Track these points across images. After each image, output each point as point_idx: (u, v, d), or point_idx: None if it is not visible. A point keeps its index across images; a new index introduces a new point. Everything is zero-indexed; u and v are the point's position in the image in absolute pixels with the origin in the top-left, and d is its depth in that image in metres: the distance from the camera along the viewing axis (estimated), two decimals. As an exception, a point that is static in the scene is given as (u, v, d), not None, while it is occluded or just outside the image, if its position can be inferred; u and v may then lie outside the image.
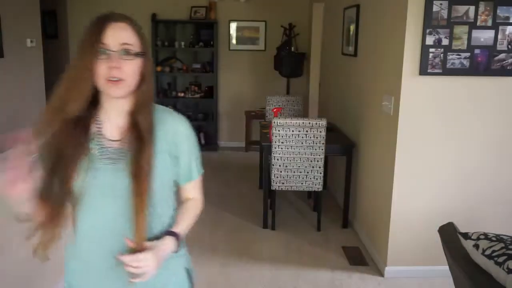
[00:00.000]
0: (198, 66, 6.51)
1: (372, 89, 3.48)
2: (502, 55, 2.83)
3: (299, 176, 3.74)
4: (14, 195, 1.04)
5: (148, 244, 1.16)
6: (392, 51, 3.05)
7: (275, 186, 3.79)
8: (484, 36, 2.80)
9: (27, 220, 1.14)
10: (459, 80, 2.88)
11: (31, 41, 4.80)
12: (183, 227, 1.30)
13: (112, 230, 1.19)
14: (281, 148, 3.67)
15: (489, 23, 2.78)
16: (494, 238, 1.56)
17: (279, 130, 3.62)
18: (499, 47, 2.82)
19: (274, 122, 3.62)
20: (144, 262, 1.13)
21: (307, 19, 6.42)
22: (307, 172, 3.72)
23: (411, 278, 3.08)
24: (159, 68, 6.32)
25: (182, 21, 6.43)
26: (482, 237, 1.59)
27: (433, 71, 2.83)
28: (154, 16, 6.25)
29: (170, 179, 1.28)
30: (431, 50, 2.80)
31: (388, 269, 3.12)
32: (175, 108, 4.37)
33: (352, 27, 4.01)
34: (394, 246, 3.09)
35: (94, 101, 1.18)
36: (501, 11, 2.77)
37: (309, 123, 3.59)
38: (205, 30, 6.46)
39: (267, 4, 6.47)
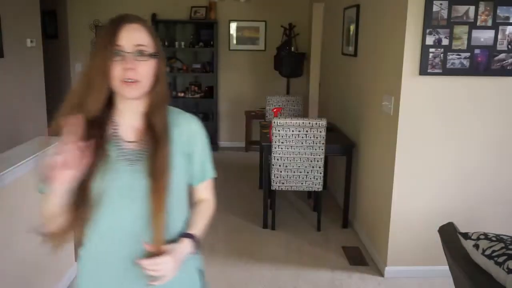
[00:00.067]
0: (198, 66, 6.51)
1: (372, 89, 3.48)
2: (502, 55, 2.83)
3: (299, 176, 3.74)
4: (59, 180, 1.03)
5: (166, 247, 1.17)
6: (392, 51, 3.05)
7: (275, 186, 3.79)
8: (484, 36, 2.80)
9: (46, 237, 1.14)
10: (459, 80, 2.88)
11: (31, 41, 4.80)
12: (198, 228, 1.31)
13: (130, 231, 1.18)
14: (281, 148, 3.67)
15: (489, 23, 2.78)
16: (494, 238, 1.56)
17: (279, 130, 3.62)
18: (499, 47, 2.82)
19: (274, 122, 3.62)
20: (163, 266, 1.14)
21: (307, 19, 6.42)
22: (307, 172, 3.72)
23: (411, 278, 3.08)
24: (159, 68, 6.31)
25: (182, 21, 6.42)
26: (482, 237, 1.59)
27: (433, 71, 2.83)
28: (154, 16, 6.25)
29: (185, 181, 1.28)
30: (431, 50, 2.80)
31: (388, 269, 3.12)
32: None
33: (352, 27, 4.01)
34: (394, 246, 3.09)
35: (108, 102, 1.18)
36: (501, 11, 2.77)
37: (309, 123, 3.59)
38: (205, 30, 6.46)
39: (267, 4, 6.47)
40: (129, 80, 1.12)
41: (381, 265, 3.20)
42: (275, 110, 4.38)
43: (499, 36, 2.80)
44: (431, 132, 2.95)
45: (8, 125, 4.45)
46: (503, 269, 1.43)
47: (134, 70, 1.11)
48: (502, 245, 1.50)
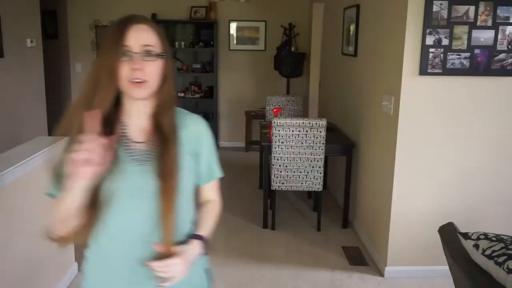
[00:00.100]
0: (198, 66, 6.51)
1: (372, 89, 3.48)
2: (502, 55, 2.83)
3: (299, 176, 3.74)
4: (83, 176, 1.02)
5: (176, 249, 1.17)
6: (392, 51, 3.05)
7: (275, 186, 3.79)
8: (484, 36, 2.80)
9: (56, 241, 1.14)
10: (459, 80, 2.88)
11: (31, 41, 4.80)
12: (207, 229, 1.32)
13: (140, 232, 1.18)
14: (281, 148, 3.67)
15: (489, 23, 2.78)
16: (494, 238, 1.56)
17: (279, 130, 3.62)
18: (499, 47, 2.82)
19: (274, 122, 3.62)
20: (174, 268, 1.14)
21: (307, 19, 6.42)
22: (307, 172, 3.72)
23: (411, 278, 3.08)
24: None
25: (182, 21, 6.42)
26: (482, 237, 1.59)
27: (433, 71, 2.83)
28: (154, 16, 6.25)
29: (193, 182, 1.29)
30: (431, 50, 2.80)
31: (388, 269, 3.12)
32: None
33: (352, 27, 4.01)
34: (394, 246, 3.09)
35: (115, 103, 1.18)
36: (501, 11, 2.77)
37: (309, 123, 3.59)
38: (205, 30, 6.46)
39: (267, 4, 6.47)
40: (137, 80, 1.12)
41: (381, 265, 3.20)
42: (275, 110, 4.38)
43: (499, 36, 2.80)
44: (431, 132, 2.95)
45: (8, 125, 4.45)
46: (503, 269, 1.43)
47: (142, 70, 1.11)
48: (502, 245, 1.50)
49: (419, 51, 2.82)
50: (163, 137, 1.18)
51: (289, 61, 6.14)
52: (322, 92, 5.75)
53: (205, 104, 6.63)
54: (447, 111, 2.92)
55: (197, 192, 1.35)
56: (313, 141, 3.64)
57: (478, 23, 2.78)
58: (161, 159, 1.17)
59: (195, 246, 1.24)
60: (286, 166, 3.71)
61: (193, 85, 6.57)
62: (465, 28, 2.78)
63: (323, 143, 3.64)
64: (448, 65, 2.82)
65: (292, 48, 6.33)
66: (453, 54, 2.81)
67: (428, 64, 2.82)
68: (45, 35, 5.88)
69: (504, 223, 3.06)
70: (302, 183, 3.77)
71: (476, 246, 1.58)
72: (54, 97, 6.03)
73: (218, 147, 6.64)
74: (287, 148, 3.66)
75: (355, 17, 3.90)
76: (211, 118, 6.61)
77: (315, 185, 3.77)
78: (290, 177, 3.75)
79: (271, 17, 6.49)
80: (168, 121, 1.20)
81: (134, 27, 1.13)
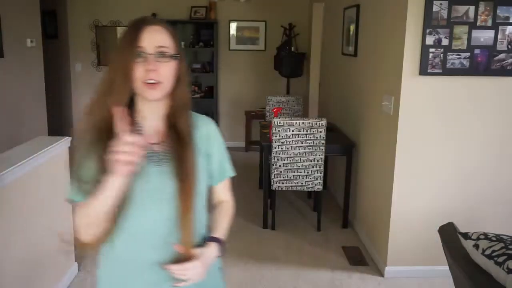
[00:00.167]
0: (198, 66, 6.51)
1: (372, 89, 3.48)
2: (502, 55, 2.83)
3: (299, 176, 3.74)
4: (121, 172, 1.03)
5: (195, 251, 1.18)
6: (392, 51, 3.05)
7: (275, 186, 3.79)
8: (484, 36, 2.80)
9: (77, 248, 1.15)
10: (459, 80, 2.88)
11: (31, 41, 4.80)
12: (223, 231, 1.32)
13: (160, 233, 1.18)
14: (281, 148, 3.67)
15: (489, 23, 2.78)
16: (494, 238, 1.56)
17: (279, 130, 3.62)
18: (499, 47, 2.82)
19: (274, 122, 3.62)
20: (192, 271, 1.15)
21: (307, 19, 6.42)
22: (307, 172, 3.72)
23: (411, 278, 3.08)
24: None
25: (182, 21, 6.42)
26: (482, 237, 1.59)
27: (433, 71, 2.83)
28: (154, 16, 6.25)
29: (206, 183, 1.29)
30: (431, 50, 2.80)
31: (388, 269, 3.12)
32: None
33: (352, 27, 4.01)
34: (394, 246, 3.09)
35: (130, 104, 1.18)
36: (501, 11, 2.77)
37: (309, 123, 3.59)
38: (205, 30, 6.46)
39: (267, 4, 6.48)
40: (151, 82, 1.12)
41: (381, 265, 3.20)
42: (275, 110, 4.38)
43: (499, 36, 2.80)
44: (431, 132, 2.95)
45: (8, 125, 4.45)
46: (503, 269, 1.43)
47: (156, 71, 1.12)
48: (502, 245, 1.50)
49: (419, 51, 2.82)
50: (179, 139, 1.19)
51: (289, 61, 6.14)
52: (322, 92, 5.75)
53: (205, 104, 6.63)
54: (447, 111, 2.92)
55: (209, 194, 1.35)
56: (313, 141, 3.64)
57: (478, 23, 2.78)
58: (179, 160, 1.17)
59: (213, 249, 1.24)
60: (286, 166, 3.71)
61: (193, 85, 6.57)
62: (465, 28, 2.78)
63: (323, 143, 3.64)
64: (448, 65, 2.82)
65: (292, 48, 6.33)
66: (453, 54, 2.81)
67: (428, 64, 2.82)
68: (45, 35, 5.88)
69: (504, 223, 3.06)
70: (302, 183, 3.77)
71: (476, 246, 1.58)
72: (54, 97, 6.03)
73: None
74: (287, 148, 3.66)
75: (355, 17, 3.90)
76: (211, 118, 6.57)
77: (315, 185, 3.77)
78: (290, 177, 3.75)
79: (271, 17, 6.49)
80: (184, 122, 1.21)
81: (148, 29, 1.13)
